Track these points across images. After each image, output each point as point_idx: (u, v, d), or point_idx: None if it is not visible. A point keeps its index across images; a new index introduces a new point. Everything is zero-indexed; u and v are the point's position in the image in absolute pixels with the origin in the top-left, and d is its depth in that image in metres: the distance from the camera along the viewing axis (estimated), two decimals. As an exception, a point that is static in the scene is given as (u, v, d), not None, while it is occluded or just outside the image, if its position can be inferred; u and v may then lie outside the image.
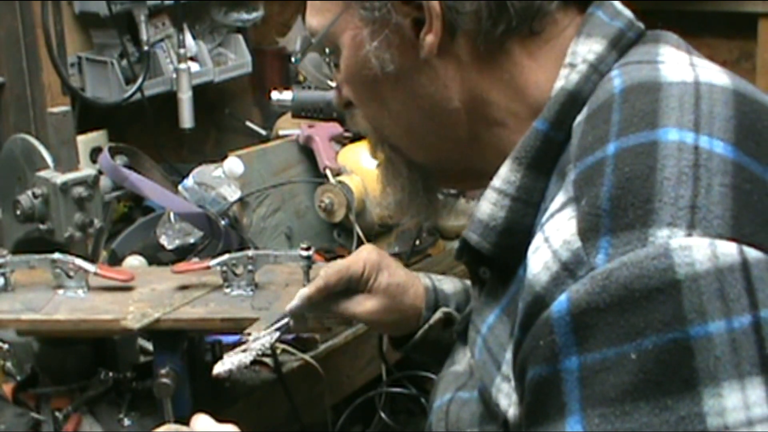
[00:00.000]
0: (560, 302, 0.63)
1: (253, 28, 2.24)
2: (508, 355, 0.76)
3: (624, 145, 0.66)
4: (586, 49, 0.78)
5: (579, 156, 0.69)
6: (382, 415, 1.65)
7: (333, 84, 0.91)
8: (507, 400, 0.76)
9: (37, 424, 1.23)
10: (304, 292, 1.09)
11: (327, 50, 0.87)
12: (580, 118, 0.74)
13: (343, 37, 0.83)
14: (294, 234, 1.65)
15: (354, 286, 1.10)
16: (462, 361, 0.97)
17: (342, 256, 1.51)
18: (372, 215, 1.65)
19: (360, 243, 1.60)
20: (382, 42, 0.80)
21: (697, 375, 0.59)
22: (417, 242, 1.68)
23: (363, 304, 1.10)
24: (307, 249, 1.23)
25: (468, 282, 1.14)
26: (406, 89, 0.82)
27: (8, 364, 1.33)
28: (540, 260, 0.66)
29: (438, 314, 1.11)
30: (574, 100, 0.75)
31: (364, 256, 1.11)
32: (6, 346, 1.34)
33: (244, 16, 2.17)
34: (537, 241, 0.68)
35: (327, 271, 1.09)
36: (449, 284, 1.15)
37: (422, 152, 0.87)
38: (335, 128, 1.79)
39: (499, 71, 0.79)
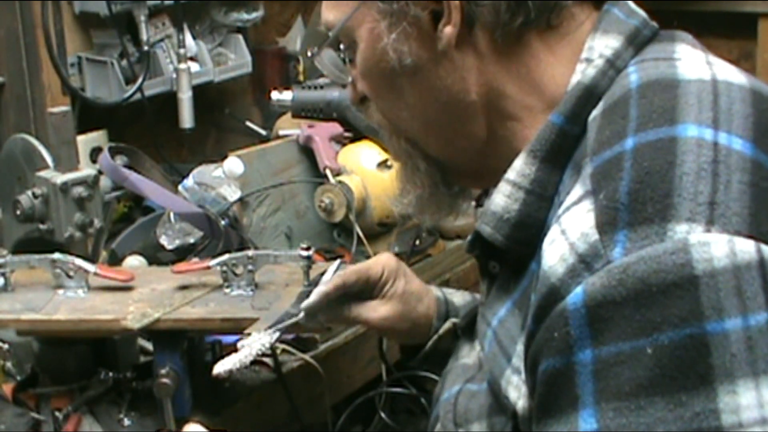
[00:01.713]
0: (576, 294, 0.63)
1: (253, 28, 2.24)
2: (519, 348, 0.76)
3: (643, 140, 0.67)
4: (603, 45, 0.78)
5: (596, 150, 0.69)
6: (382, 415, 1.65)
7: (348, 79, 0.90)
8: (516, 392, 0.76)
9: (37, 424, 1.23)
10: (322, 289, 1.08)
11: (342, 46, 0.86)
12: (595, 112, 0.74)
13: (360, 30, 0.83)
14: (294, 234, 1.65)
15: (370, 290, 1.10)
16: (469, 355, 0.97)
17: (342, 256, 1.51)
18: (372, 215, 1.65)
19: (360, 243, 1.60)
20: (400, 34, 0.79)
21: (712, 371, 0.59)
22: (417, 242, 1.68)
23: (377, 310, 1.11)
24: (307, 249, 1.23)
25: (477, 295, 1.14)
26: (423, 82, 0.82)
27: (8, 364, 1.33)
28: (556, 252, 0.66)
29: (447, 324, 1.12)
30: (590, 94, 0.75)
31: (383, 260, 1.11)
32: (6, 346, 1.34)
33: (244, 16, 2.17)
34: (553, 233, 0.68)
35: (345, 272, 1.09)
36: (459, 297, 1.16)
37: (438, 146, 0.87)
38: (335, 128, 1.79)
39: (516, 64, 0.79)
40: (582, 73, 0.77)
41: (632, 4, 0.83)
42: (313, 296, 1.09)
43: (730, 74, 0.73)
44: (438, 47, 0.79)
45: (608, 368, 0.62)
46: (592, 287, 0.63)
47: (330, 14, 0.85)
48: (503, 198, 0.78)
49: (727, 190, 0.63)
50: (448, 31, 0.78)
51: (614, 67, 0.76)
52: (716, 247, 0.61)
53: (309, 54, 0.90)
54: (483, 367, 0.89)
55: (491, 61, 0.79)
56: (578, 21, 0.80)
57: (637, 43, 0.78)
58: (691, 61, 0.75)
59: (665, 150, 0.65)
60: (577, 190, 0.68)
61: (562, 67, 0.79)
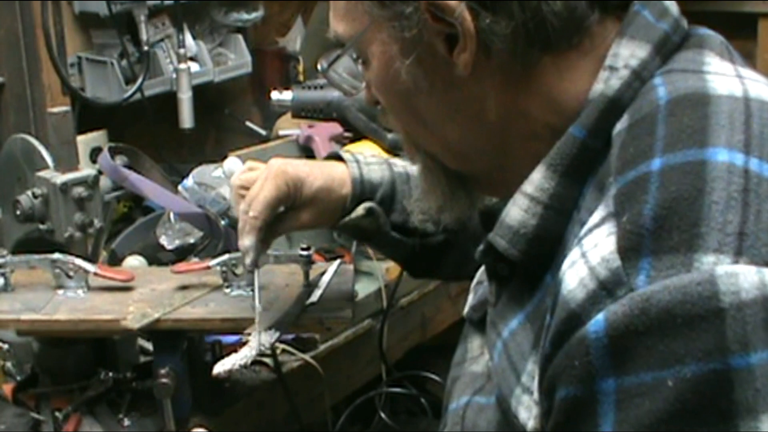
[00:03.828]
0: (597, 322, 0.62)
1: (253, 28, 2.24)
2: (530, 366, 0.74)
3: (670, 162, 0.65)
4: (629, 53, 0.74)
5: (620, 169, 0.67)
6: (382, 415, 1.65)
7: (362, 86, 0.88)
8: (527, 412, 0.74)
9: (37, 424, 1.23)
10: (247, 244, 1.08)
11: (355, 55, 0.84)
12: (620, 126, 0.71)
13: (372, 47, 0.80)
14: (294, 234, 1.65)
15: (286, 207, 1.11)
16: (478, 360, 0.96)
17: (342, 256, 1.51)
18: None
19: (360, 243, 1.59)
20: (414, 60, 0.77)
21: (735, 407, 0.58)
22: (417, 242, 1.68)
23: (299, 218, 1.12)
24: (307, 249, 1.23)
25: (399, 171, 1.16)
26: (439, 103, 0.79)
27: (8, 364, 1.33)
28: (576, 276, 0.64)
29: (360, 210, 1.11)
30: (613, 106, 0.73)
31: (278, 176, 1.09)
32: (6, 346, 1.34)
33: (244, 16, 2.17)
34: (573, 255, 0.66)
35: (257, 209, 1.08)
36: (377, 173, 1.15)
37: (457, 162, 0.85)
38: (335, 128, 1.79)
39: (536, 85, 0.76)
40: (605, 83, 0.74)
41: (666, 2, 0.78)
42: (248, 257, 1.09)
43: (762, 90, 0.71)
44: (454, 72, 0.76)
45: (630, 399, 0.60)
46: (614, 316, 0.61)
47: (339, 26, 0.82)
48: (520, 212, 0.76)
49: (757, 220, 0.61)
50: (464, 58, 0.74)
51: (640, 78, 0.73)
52: (744, 279, 0.59)
53: (320, 67, 0.88)
54: (491, 379, 0.87)
55: (509, 84, 0.76)
56: (602, 37, 0.76)
57: (665, 52, 0.75)
58: (722, 74, 0.72)
59: (694, 175, 0.63)
60: (600, 211, 0.66)
61: (584, 79, 0.76)
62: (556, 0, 0.72)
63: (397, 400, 1.89)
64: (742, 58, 0.78)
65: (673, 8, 0.78)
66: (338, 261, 1.33)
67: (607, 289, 0.62)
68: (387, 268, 1.61)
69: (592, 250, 0.64)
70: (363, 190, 1.13)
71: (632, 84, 0.73)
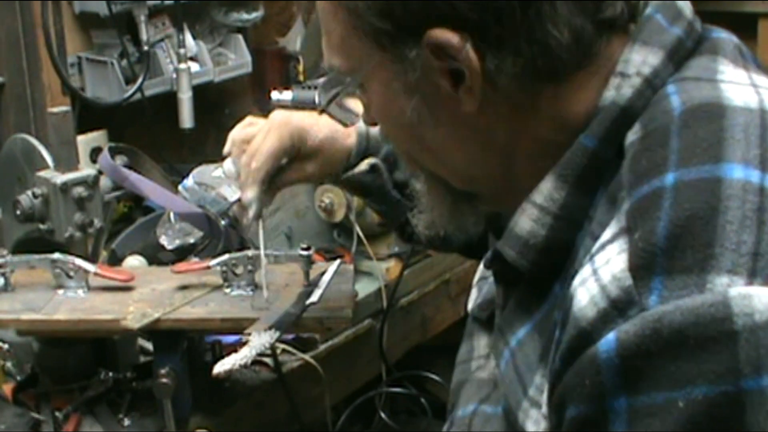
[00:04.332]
0: (608, 341, 0.61)
1: (253, 28, 2.24)
2: (538, 380, 0.74)
3: (684, 178, 0.63)
4: (641, 59, 0.72)
5: (633, 182, 0.66)
6: (382, 415, 1.66)
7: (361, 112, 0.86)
8: (535, 426, 0.74)
9: (37, 424, 1.23)
10: (250, 196, 1.07)
11: (352, 88, 0.81)
12: (633, 137, 0.69)
13: (372, 83, 0.77)
14: (294, 234, 1.65)
15: (290, 158, 1.10)
16: (486, 366, 0.95)
17: (342, 256, 1.51)
18: (372, 215, 1.65)
19: (360, 243, 1.60)
20: (418, 98, 0.74)
21: (746, 430, 0.58)
22: (417, 242, 1.68)
23: (304, 169, 1.11)
24: (307, 249, 1.23)
25: None
26: (445, 135, 0.77)
27: (8, 364, 1.33)
28: (587, 294, 0.63)
29: (363, 166, 1.11)
30: (625, 115, 0.71)
31: (281, 127, 1.08)
32: (6, 346, 1.34)
33: (244, 16, 2.17)
34: (585, 271, 0.65)
35: (260, 161, 1.07)
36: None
37: (463, 183, 0.84)
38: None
39: (544, 109, 0.74)
40: (616, 91, 0.72)
41: (681, 3, 0.76)
42: (251, 210, 1.08)
43: None
44: (460, 107, 0.73)
45: (641, 418, 0.60)
46: (625, 335, 0.60)
47: (335, 59, 0.79)
48: (529, 222, 0.74)
49: None
50: (470, 95, 0.72)
51: (652, 86, 0.71)
52: (758, 301, 0.58)
53: (318, 102, 0.86)
54: (498, 388, 0.87)
55: (517, 112, 0.74)
56: (610, 53, 0.74)
57: (678, 58, 0.73)
58: (736, 83, 0.70)
59: (708, 192, 0.62)
60: (612, 227, 0.65)
61: (593, 93, 0.73)
62: (563, 31, 0.70)
63: (397, 400, 1.89)
64: (754, 60, 0.76)
65: (687, 10, 0.76)
66: (338, 261, 1.33)
67: (618, 308, 0.61)
68: (387, 268, 1.61)
69: (603, 267, 0.63)
70: (368, 144, 1.12)
71: (644, 92, 0.71)
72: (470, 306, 1.01)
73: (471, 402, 0.91)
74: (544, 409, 0.72)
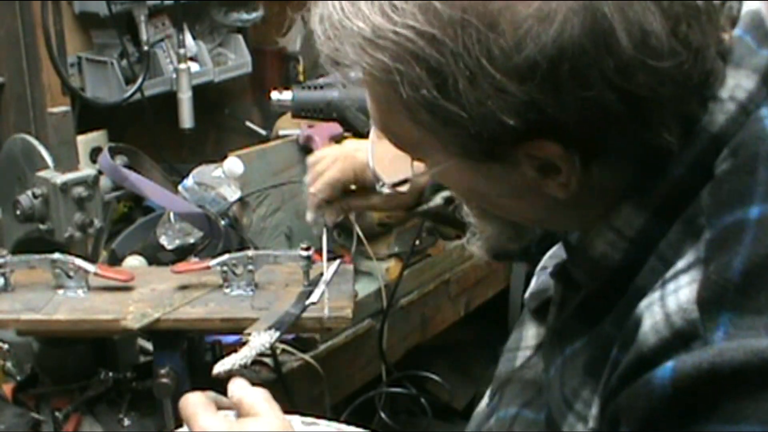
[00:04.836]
0: (665, 369, 0.61)
1: (253, 28, 2.24)
2: (585, 395, 0.74)
3: None
4: (734, 83, 0.68)
5: (715, 211, 0.64)
6: (382, 415, 1.66)
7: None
8: None
9: (37, 424, 1.23)
10: (308, 219, 1.17)
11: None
12: (722, 165, 0.66)
13: (434, 156, 0.72)
14: (294, 234, 1.65)
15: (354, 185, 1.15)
16: (533, 366, 0.94)
17: (342, 256, 1.51)
18: (372, 215, 1.65)
19: (360, 243, 1.59)
20: (498, 184, 0.72)
21: None
22: (417, 242, 1.68)
23: (369, 199, 1.16)
24: (307, 249, 1.23)
25: None
26: (525, 204, 0.75)
27: (8, 364, 1.33)
28: (651, 319, 0.63)
29: (438, 200, 1.12)
30: (717, 142, 0.67)
31: (346, 159, 1.13)
32: (6, 346, 1.34)
33: (244, 16, 2.17)
34: (653, 296, 0.64)
35: (317, 187, 1.15)
36: None
37: (532, 224, 0.84)
38: (335, 128, 1.78)
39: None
40: (710, 117, 0.67)
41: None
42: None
43: None
44: (547, 190, 0.70)
45: None
46: (683, 365, 0.60)
47: (404, 149, 0.74)
48: (604, 245, 0.73)
49: None
50: (563, 186, 0.69)
51: (746, 112, 0.67)
52: None
53: (379, 188, 0.83)
54: (542, 393, 0.86)
55: (609, 186, 0.71)
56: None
57: None
58: None
59: None
60: (690, 256, 0.64)
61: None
62: (671, 128, 0.66)
63: (397, 400, 1.89)
64: None
65: None
66: (338, 261, 1.32)
67: (682, 339, 0.61)
68: (387, 268, 1.61)
69: (671, 296, 0.63)
70: None
71: (738, 119, 0.67)
72: (527, 293, 1.00)
73: (513, 405, 0.91)
74: (591, 423, 0.72)
